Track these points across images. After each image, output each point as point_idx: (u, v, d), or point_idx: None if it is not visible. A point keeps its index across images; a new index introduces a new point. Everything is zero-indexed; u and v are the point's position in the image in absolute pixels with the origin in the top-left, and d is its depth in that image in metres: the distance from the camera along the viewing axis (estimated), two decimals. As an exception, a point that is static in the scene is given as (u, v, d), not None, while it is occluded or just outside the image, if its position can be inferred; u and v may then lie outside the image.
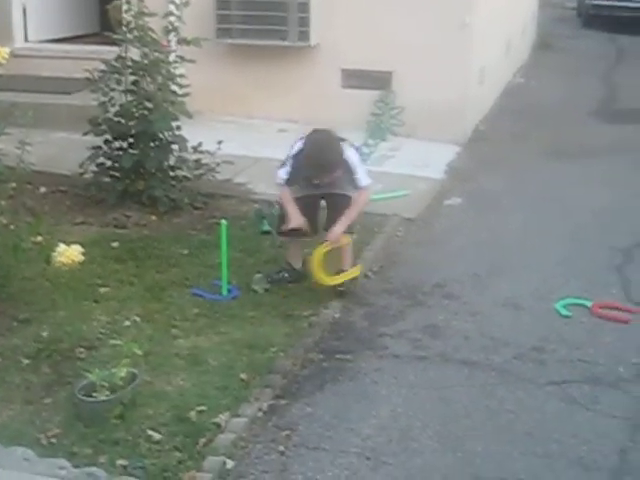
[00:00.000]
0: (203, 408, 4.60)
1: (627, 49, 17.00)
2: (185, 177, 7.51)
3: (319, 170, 5.98)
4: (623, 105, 12.80)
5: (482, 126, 10.64)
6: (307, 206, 6.10)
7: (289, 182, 6.14)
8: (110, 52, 7.65)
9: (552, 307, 6.01)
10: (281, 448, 4.41)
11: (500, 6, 11.67)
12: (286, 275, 6.26)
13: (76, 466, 4.08)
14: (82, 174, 7.46)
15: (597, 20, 19.22)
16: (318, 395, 4.91)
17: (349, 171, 6.04)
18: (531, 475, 4.28)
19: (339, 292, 6.09)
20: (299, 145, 6.10)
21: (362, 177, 6.09)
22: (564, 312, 5.95)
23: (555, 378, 5.15)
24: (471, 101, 10.04)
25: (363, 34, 9.70)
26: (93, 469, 4.06)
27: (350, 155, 6.06)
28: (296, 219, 6.00)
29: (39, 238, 6.44)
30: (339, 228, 6.01)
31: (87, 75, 7.36)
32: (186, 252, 6.61)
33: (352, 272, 6.20)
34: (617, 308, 6.05)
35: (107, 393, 4.50)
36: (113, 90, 7.38)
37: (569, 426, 4.67)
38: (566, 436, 4.58)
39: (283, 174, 6.13)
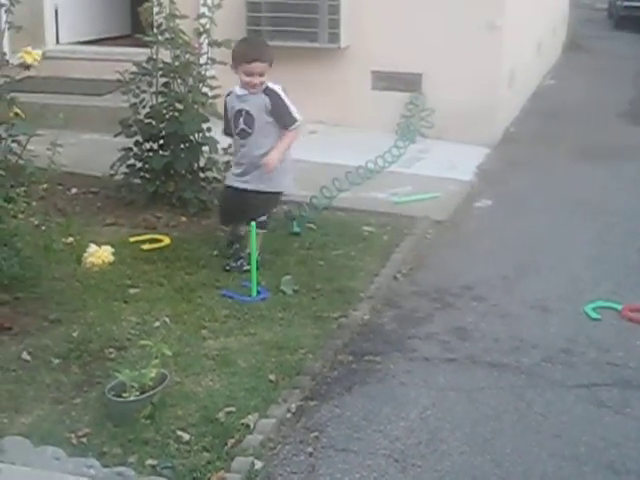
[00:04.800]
0: (232, 409, 4.61)
1: (658, 50, 16.94)
2: (215, 179, 7.53)
3: (258, 49, 6.47)
4: (654, 107, 12.74)
5: (512, 128, 10.62)
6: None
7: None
8: (141, 54, 7.70)
9: (581, 309, 5.99)
10: (310, 449, 4.41)
11: (530, 7, 11.64)
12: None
13: (105, 465, 4.09)
14: (113, 175, 7.51)
15: (628, 21, 19.16)
16: (347, 397, 4.90)
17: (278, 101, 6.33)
18: (559, 478, 4.25)
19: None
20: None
21: (293, 113, 6.36)
22: (593, 315, 5.92)
23: (584, 381, 5.12)
24: (501, 103, 10.01)
25: (393, 36, 9.71)
26: (122, 469, 4.08)
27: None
28: None
29: (70, 239, 6.52)
30: (275, 154, 6.28)
31: (118, 77, 7.40)
32: (215, 253, 6.63)
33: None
34: (648, 311, 6.02)
35: (137, 393, 4.52)
36: (144, 92, 7.42)
37: (598, 429, 4.65)
38: (595, 439, 4.55)
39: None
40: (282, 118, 6.32)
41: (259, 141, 6.32)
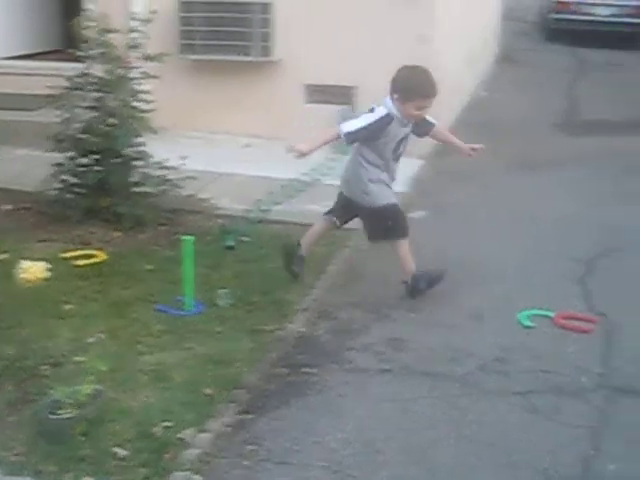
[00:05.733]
0: (168, 424, 4.60)
1: (589, 62, 17.17)
2: (149, 193, 7.50)
3: (435, 83, 6.39)
4: (585, 117, 12.95)
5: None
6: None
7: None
8: (73, 69, 7.64)
9: (515, 318, 6.06)
10: (247, 463, 4.42)
11: (461, 19, 11.75)
12: None
13: (41, 484, 4.08)
14: (45, 191, 7.43)
15: (559, 34, 19.39)
16: (284, 409, 4.92)
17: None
18: (495, 485, 4.31)
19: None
20: (380, 111, 6.32)
21: (348, 123, 6.29)
22: (527, 323, 6.00)
23: (518, 388, 5.18)
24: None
25: (326, 49, 9.75)
26: (59, 486, 4.06)
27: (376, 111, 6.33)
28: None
29: (3, 255, 6.46)
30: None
31: (50, 92, 7.35)
32: (150, 268, 6.60)
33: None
34: (579, 319, 6.10)
35: (72, 410, 4.49)
36: (77, 107, 7.36)
37: (532, 436, 4.70)
38: (529, 446, 4.61)
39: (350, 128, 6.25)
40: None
41: None
